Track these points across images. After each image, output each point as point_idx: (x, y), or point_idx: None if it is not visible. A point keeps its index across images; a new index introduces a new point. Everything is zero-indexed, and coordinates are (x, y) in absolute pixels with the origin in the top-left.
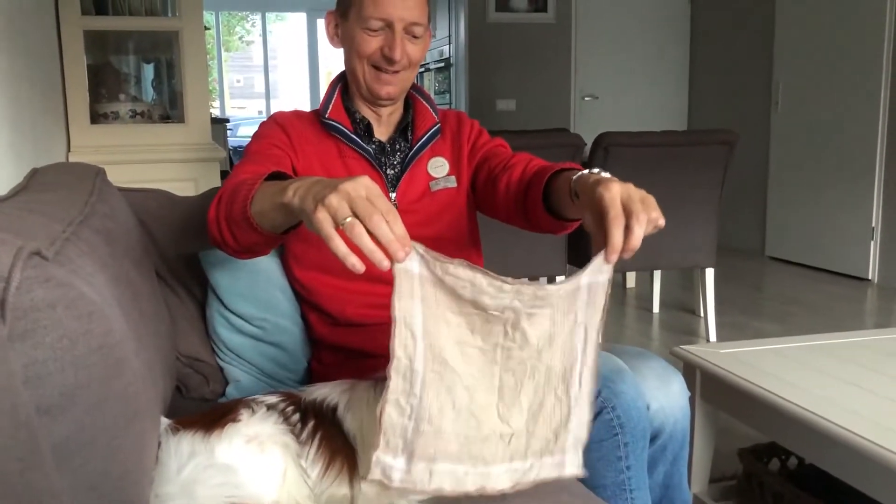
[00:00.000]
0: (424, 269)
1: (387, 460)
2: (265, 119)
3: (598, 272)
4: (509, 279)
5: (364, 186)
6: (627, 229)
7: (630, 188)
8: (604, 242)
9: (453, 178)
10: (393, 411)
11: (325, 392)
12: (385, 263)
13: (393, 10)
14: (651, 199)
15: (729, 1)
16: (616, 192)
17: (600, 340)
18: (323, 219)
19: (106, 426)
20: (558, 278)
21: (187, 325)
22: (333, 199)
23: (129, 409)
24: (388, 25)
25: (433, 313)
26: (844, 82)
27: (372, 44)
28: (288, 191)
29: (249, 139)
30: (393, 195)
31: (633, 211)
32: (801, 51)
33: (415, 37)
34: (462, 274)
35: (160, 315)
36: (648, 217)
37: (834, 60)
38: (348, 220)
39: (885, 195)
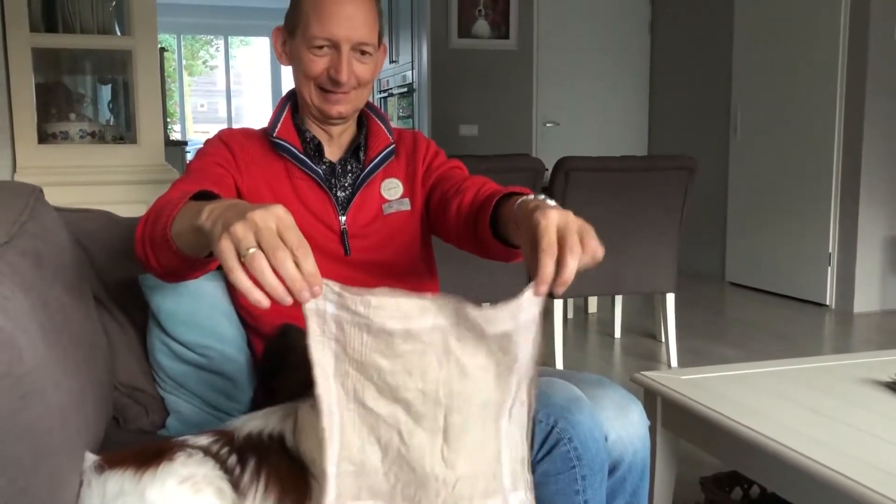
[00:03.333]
0: (342, 310)
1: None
2: (215, 135)
3: (531, 305)
4: (429, 295)
5: (275, 216)
6: (561, 261)
7: (569, 216)
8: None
9: (407, 200)
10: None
11: (260, 423)
12: (287, 300)
13: (338, 31)
14: (590, 229)
15: (687, 28)
16: (552, 219)
17: (536, 374)
18: (225, 248)
19: (7, 465)
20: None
21: (127, 353)
22: (239, 229)
23: (38, 446)
24: (335, 45)
25: (353, 354)
26: (801, 109)
27: (318, 64)
28: (203, 213)
29: (199, 149)
30: (343, 218)
31: (568, 242)
32: (759, 78)
33: (363, 54)
34: (386, 303)
35: (95, 341)
36: (586, 248)
37: (791, 87)
38: (251, 251)
39: (842, 221)
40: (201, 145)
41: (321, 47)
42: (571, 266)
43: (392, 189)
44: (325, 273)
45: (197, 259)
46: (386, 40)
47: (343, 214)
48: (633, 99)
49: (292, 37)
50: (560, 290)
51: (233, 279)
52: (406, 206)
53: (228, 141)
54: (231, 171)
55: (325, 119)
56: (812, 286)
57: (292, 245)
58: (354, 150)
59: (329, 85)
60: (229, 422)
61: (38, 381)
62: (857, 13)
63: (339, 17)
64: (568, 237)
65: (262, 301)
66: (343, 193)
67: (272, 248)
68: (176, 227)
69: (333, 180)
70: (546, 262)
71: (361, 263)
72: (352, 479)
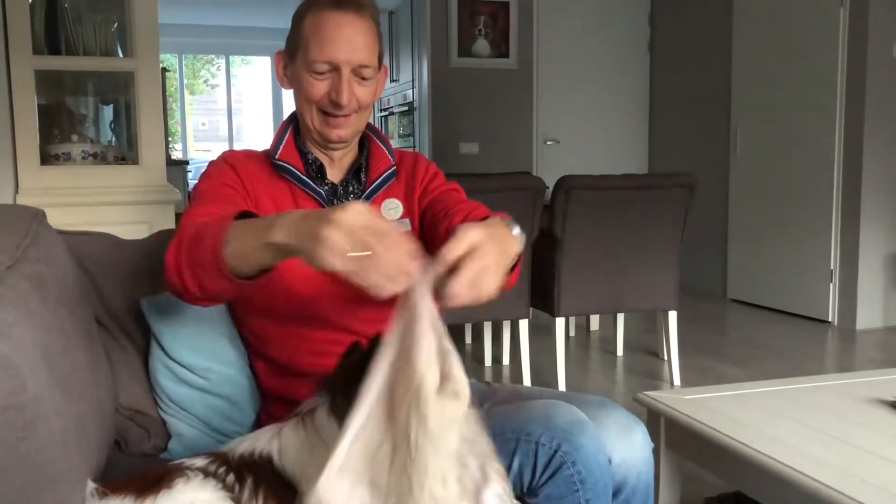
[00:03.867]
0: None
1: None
2: (218, 156)
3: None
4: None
5: (359, 214)
6: (452, 275)
7: (488, 245)
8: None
9: (407, 221)
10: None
11: (250, 444)
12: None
13: (338, 54)
14: (497, 269)
15: (686, 47)
16: (469, 236)
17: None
18: (331, 254)
19: (11, 496)
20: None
21: (129, 376)
22: (335, 236)
23: (41, 475)
24: (335, 69)
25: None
26: (801, 126)
27: (319, 88)
28: (274, 229)
29: (205, 170)
30: None
31: (465, 265)
32: (758, 95)
33: (363, 78)
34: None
35: (97, 365)
36: (476, 283)
37: (790, 104)
38: (365, 253)
39: (843, 238)
40: (204, 167)
41: (322, 71)
42: (453, 286)
43: (392, 209)
44: (328, 290)
45: (243, 282)
46: (386, 61)
47: None
48: (633, 117)
49: (293, 60)
50: (450, 303)
51: (358, 280)
52: (406, 226)
53: (233, 162)
54: (239, 191)
55: (326, 143)
56: (814, 303)
57: (384, 237)
58: (356, 171)
59: (330, 108)
60: (223, 445)
61: (41, 408)
62: (856, 31)
63: (339, 41)
64: (469, 262)
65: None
66: None
67: (380, 246)
68: (231, 248)
69: (335, 201)
70: (446, 255)
71: None
72: (361, 462)
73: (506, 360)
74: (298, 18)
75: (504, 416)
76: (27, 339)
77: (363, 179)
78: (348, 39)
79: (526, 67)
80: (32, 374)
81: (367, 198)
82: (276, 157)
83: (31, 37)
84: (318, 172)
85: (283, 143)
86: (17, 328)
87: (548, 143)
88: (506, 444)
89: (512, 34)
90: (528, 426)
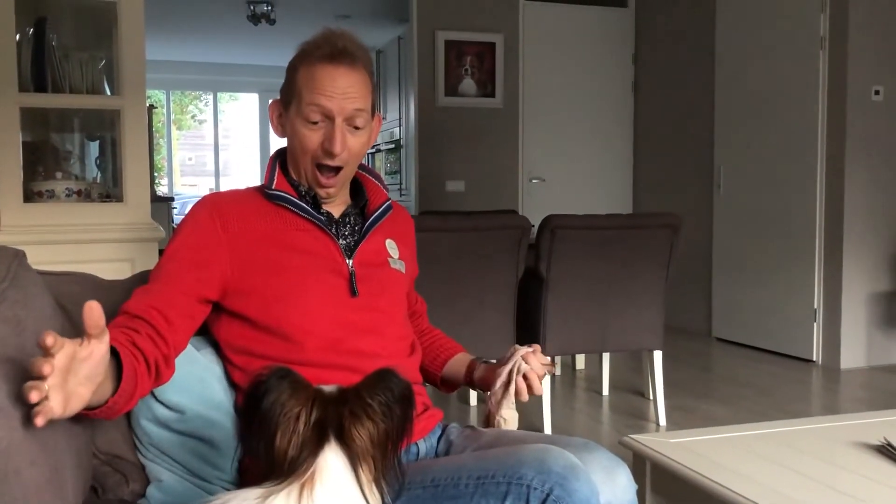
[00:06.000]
0: None
1: None
2: (200, 200)
3: None
4: None
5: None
6: None
7: None
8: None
9: (403, 263)
10: None
11: None
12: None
13: (331, 103)
14: None
15: (670, 88)
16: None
17: None
18: None
19: None
20: None
21: (107, 420)
22: None
23: None
24: (328, 118)
25: None
26: (784, 167)
27: (313, 139)
28: None
29: (184, 217)
30: (350, 262)
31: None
32: (741, 137)
33: (356, 128)
34: None
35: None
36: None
37: (773, 145)
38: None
39: (826, 277)
40: (190, 203)
41: (315, 121)
42: None
43: (393, 248)
44: (333, 318)
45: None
46: (380, 109)
47: (350, 258)
48: (617, 156)
49: (287, 110)
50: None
51: None
52: (402, 268)
53: (212, 209)
54: (215, 251)
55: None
56: (798, 342)
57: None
58: (353, 205)
59: (323, 157)
60: (202, 492)
61: (14, 460)
62: (836, 74)
63: (333, 91)
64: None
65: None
66: (344, 241)
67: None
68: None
69: (333, 229)
70: None
71: (367, 306)
72: None
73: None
74: (292, 70)
75: (494, 459)
76: (1, 389)
77: (361, 208)
78: (342, 90)
79: (512, 106)
80: (6, 423)
81: (368, 229)
82: (272, 187)
83: (17, 74)
84: (313, 201)
85: (275, 178)
86: None
87: (533, 181)
88: (497, 489)
89: (498, 74)
90: (520, 470)
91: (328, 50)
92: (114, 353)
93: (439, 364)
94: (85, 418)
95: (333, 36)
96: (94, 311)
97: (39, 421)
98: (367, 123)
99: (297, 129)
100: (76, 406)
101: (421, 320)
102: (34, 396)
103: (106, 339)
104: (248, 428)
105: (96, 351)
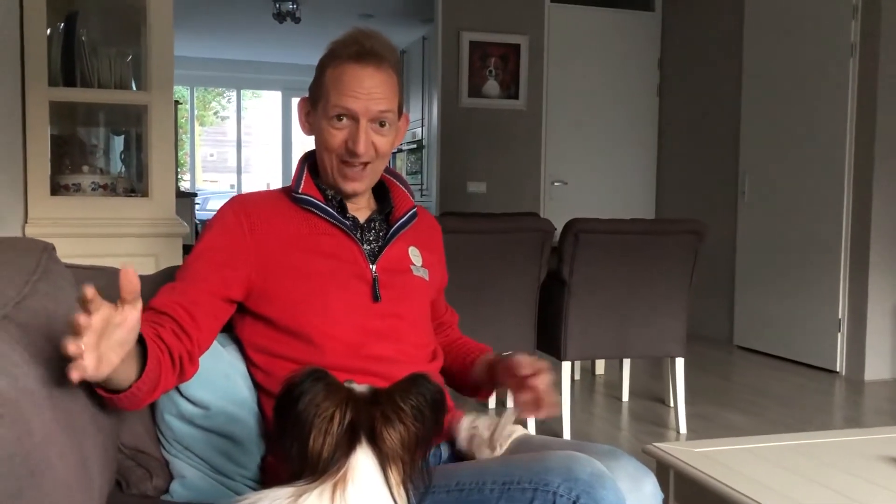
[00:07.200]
0: None
1: None
2: (228, 201)
3: None
4: None
5: None
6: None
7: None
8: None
9: (427, 271)
10: None
11: None
12: None
13: (356, 104)
14: None
15: (695, 92)
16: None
17: None
18: None
19: None
20: None
21: (132, 414)
22: None
23: None
24: (353, 118)
25: None
26: (809, 173)
27: (338, 137)
28: None
29: (212, 217)
30: (373, 267)
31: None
32: (767, 141)
33: (382, 127)
34: None
35: (102, 403)
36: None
37: (799, 151)
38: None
39: (852, 287)
40: (211, 199)
41: (340, 118)
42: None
43: (416, 256)
44: (355, 323)
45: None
46: (412, 119)
47: (373, 264)
48: (640, 160)
49: (315, 109)
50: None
51: None
52: (426, 276)
53: (239, 210)
54: (240, 252)
55: (341, 193)
56: (822, 352)
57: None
58: (378, 210)
59: (347, 156)
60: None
61: (46, 453)
62: (866, 80)
63: (358, 91)
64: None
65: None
66: (369, 246)
67: None
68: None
69: (358, 234)
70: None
71: (389, 312)
72: None
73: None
74: (321, 69)
75: (519, 465)
76: (33, 380)
77: (386, 214)
78: (367, 91)
79: (535, 108)
80: (38, 416)
81: (392, 236)
82: (299, 191)
83: (47, 69)
84: (340, 206)
85: (303, 179)
86: (24, 367)
87: (555, 183)
88: (522, 495)
89: (522, 76)
90: (546, 476)
91: (355, 50)
92: (139, 341)
93: (469, 364)
94: (111, 409)
95: (362, 36)
96: (130, 277)
97: (75, 376)
98: (394, 123)
99: (322, 127)
100: (105, 370)
101: (451, 331)
102: (73, 349)
103: (139, 306)
104: (282, 429)
105: (130, 317)
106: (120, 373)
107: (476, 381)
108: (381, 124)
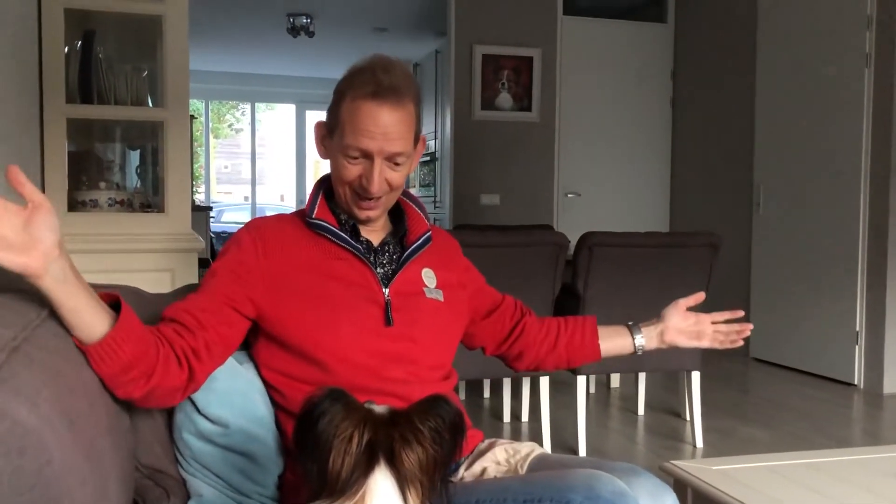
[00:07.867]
0: None
1: None
2: (245, 225)
3: None
4: None
5: None
6: None
7: None
8: None
9: (441, 292)
10: None
11: None
12: None
13: (371, 144)
14: None
15: (709, 103)
16: None
17: None
18: None
19: None
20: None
21: (149, 433)
22: None
23: None
24: (368, 156)
25: None
26: (825, 185)
27: (352, 171)
28: None
29: (228, 239)
30: (386, 291)
31: None
32: (782, 153)
33: (397, 164)
34: None
35: (120, 425)
36: None
37: (814, 163)
38: None
39: (869, 299)
40: (225, 211)
41: (355, 156)
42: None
43: (429, 278)
44: (367, 346)
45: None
46: (424, 132)
47: (386, 287)
48: (654, 172)
49: (331, 136)
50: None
51: None
52: (440, 297)
53: (255, 234)
54: (249, 271)
55: (355, 218)
56: (839, 365)
57: None
58: (393, 232)
59: (360, 191)
60: None
61: (66, 481)
62: (881, 91)
63: (374, 132)
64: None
65: None
66: (382, 270)
67: None
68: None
69: (372, 257)
70: None
71: (402, 335)
72: None
73: (525, 416)
74: (338, 96)
75: (540, 483)
76: (55, 406)
77: (401, 237)
78: (383, 131)
79: (548, 121)
80: (58, 444)
81: (405, 260)
82: (313, 216)
83: (65, 86)
84: (353, 231)
85: (317, 204)
86: (46, 392)
87: (569, 195)
88: None
89: (535, 88)
90: (567, 494)
91: (372, 89)
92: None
93: (589, 339)
94: (130, 429)
95: (380, 69)
96: (14, 174)
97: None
98: (409, 156)
99: (337, 159)
100: (39, 258)
101: (530, 316)
102: None
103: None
104: (302, 449)
105: (35, 197)
106: (80, 301)
107: (605, 349)
108: (396, 161)
